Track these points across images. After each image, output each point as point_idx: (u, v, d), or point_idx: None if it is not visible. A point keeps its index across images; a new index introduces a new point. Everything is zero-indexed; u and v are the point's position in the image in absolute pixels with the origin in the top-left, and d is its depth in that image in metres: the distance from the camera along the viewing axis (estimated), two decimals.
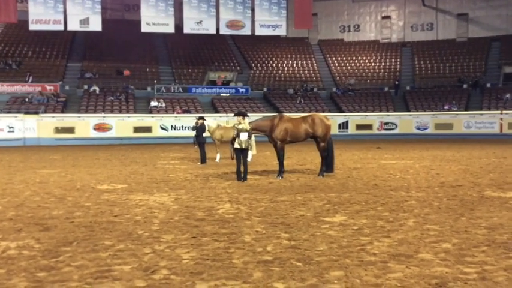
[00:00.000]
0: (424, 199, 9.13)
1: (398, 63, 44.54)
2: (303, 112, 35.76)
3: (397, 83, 40.51)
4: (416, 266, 5.13)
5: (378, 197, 9.43)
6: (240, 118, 11.91)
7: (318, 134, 12.73)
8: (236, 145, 11.88)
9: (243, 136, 11.69)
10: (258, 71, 42.99)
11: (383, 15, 48.09)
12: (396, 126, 35.43)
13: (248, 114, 12.61)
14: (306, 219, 7.49)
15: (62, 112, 32.52)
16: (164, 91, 37.19)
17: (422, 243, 6.05)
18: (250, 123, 12.30)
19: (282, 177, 12.41)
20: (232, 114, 12.72)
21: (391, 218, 7.51)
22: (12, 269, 5.16)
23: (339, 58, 45.72)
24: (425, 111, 36.57)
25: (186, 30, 36.97)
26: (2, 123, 29.58)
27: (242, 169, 11.88)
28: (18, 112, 30.96)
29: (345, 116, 35.72)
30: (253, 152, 17.79)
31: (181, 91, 37.67)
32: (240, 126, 11.76)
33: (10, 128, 29.64)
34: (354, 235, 6.46)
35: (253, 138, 17.58)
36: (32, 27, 34.88)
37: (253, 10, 37.81)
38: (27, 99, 33.10)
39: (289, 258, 5.42)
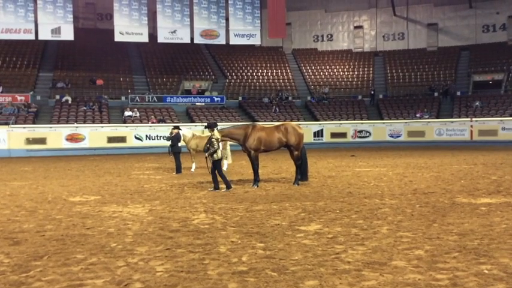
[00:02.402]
0: (397, 206, 9.26)
1: (371, 72, 45.29)
2: (278, 121, 35.96)
3: (372, 92, 41.17)
4: (389, 274, 5.18)
5: (352, 204, 9.52)
6: (210, 130, 12.01)
7: (291, 143, 12.77)
8: (218, 156, 11.90)
9: (220, 147, 12.00)
10: (233, 80, 43.07)
11: (355, 25, 48.91)
12: (370, 134, 35.93)
13: (217, 124, 12.63)
14: (281, 228, 7.50)
15: (33, 123, 31.86)
16: (138, 100, 36.88)
17: (395, 250, 6.12)
18: (220, 130, 12.42)
19: (257, 186, 12.42)
20: (204, 126, 12.75)
21: (365, 225, 7.59)
22: None
23: (313, 67, 46.21)
24: (397, 119, 37.22)
25: (160, 39, 36.88)
26: None
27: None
28: None
29: (320, 124, 36.06)
30: (229, 161, 17.80)
31: (156, 100, 37.43)
32: (215, 138, 11.82)
33: None
34: (329, 243, 6.49)
35: (228, 147, 17.62)
36: (2, 36, 34.27)
37: (227, 20, 37.98)
38: None
39: (264, 269, 5.41)
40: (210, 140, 11.85)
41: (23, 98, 34.30)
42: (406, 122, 36.13)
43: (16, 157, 27.97)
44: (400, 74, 44.28)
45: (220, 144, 12.17)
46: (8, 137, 29.46)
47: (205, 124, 12.64)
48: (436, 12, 46.44)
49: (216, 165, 11.97)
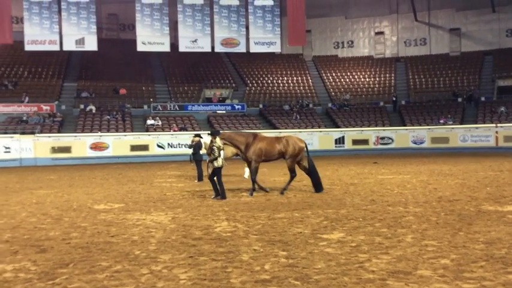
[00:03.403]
0: (421, 214, 9.12)
1: (392, 78, 44.88)
2: (299, 128, 35.92)
3: (394, 98, 40.78)
4: (415, 283, 5.11)
5: (375, 212, 9.42)
6: (212, 138, 12.07)
7: (287, 153, 12.76)
8: (219, 164, 11.91)
9: (223, 155, 12.10)
10: (253, 88, 43.21)
11: (376, 31, 48.61)
12: (392, 140, 35.52)
13: (220, 132, 12.71)
14: (303, 236, 7.46)
15: (59, 132, 32.48)
16: (160, 109, 37.27)
17: (420, 259, 6.03)
18: (222, 133, 12.60)
19: (251, 195, 12.34)
20: (207, 133, 12.85)
21: (389, 234, 7.50)
22: None
23: (334, 74, 46.05)
24: (421, 125, 36.73)
25: (182, 48, 37.27)
26: None
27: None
28: (15, 132, 30.91)
29: (341, 131, 35.83)
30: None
31: (178, 109, 37.77)
32: (216, 145, 11.88)
33: (6, 148, 29.54)
34: (352, 252, 6.44)
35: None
36: (28, 47, 35.09)
37: (247, 28, 38.18)
38: (24, 119, 33.10)
39: (287, 277, 5.39)
40: (211, 147, 11.91)
41: (48, 107, 35.03)
42: (429, 128, 35.62)
43: (42, 166, 28.53)
44: (423, 80, 43.77)
45: (221, 152, 12.19)
46: (34, 146, 30.08)
47: (209, 132, 12.74)
48: (459, 17, 45.84)
49: (216, 172, 11.97)
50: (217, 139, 12.08)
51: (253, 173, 12.74)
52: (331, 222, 8.50)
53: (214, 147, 11.86)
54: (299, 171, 13.19)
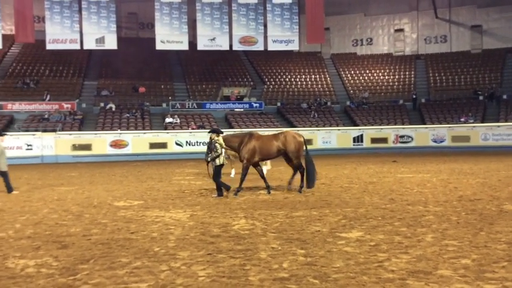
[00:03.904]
0: (442, 214, 9.01)
1: (412, 75, 44.36)
2: (317, 126, 35.79)
3: (414, 96, 40.32)
4: (435, 283, 5.05)
5: (395, 211, 9.33)
6: (214, 135, 11.98)
7: (290, 151, 12.57)
8: (220, 161, 11.88)
9: (223, 153, 12.00)
10: (271, 86, 43.17)
11: (396, 28, 48.09)
12: (412, 139, 35.14)
13: (222, 131, 12.57)
14: (322, 235, 7.44)
15: (79, 129, 32.98)
16: (179, 107, 37.53)
17: (441, 259, 5.96)
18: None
19: (236, 195, 12.00)
20: (208, 131, 12.69)
21: (409, 233, 7.42)
22: (31, 287, 5.21)
23: (352, 72, 45.72)
24: (441, 123, 36.24)
25: (200, 47, 37.40)
26: (20, 141, 30.06)
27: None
28: (36, 130, 31.47)
29: (360, 129, 35.58)
30: (268, 167, 17.82)
31: (196, 107, 37.98)
32: (219, 143, 11.85)
33: (28, 145, 30.10)
34: (371, 251, 6.39)
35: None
36: (49, 46, 35.62)
37: (265, 26, 38.14)
38: (45, 117, 33.67)
39: (305, 276, 5.38)
40: (214, 145, 11.83)
41: (69, 105, 35.58)
42: (449, 127, 35.12)
43: (63, 163, 28.98)
44: (443, 78, 43.15)
45: (223, 150, 12.11)
46: (55, 143, 30.59)
47: (210, 130, 12.59)
48: (480, 13, 45.05)
49: (216, 170, 11.88)
50: (220, 137, 12.02)
51: (244, 171, 12.51)
52: (350, 221, 8.45)
53: (217, 144, 11.82)
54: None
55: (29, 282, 5.39)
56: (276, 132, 13.58)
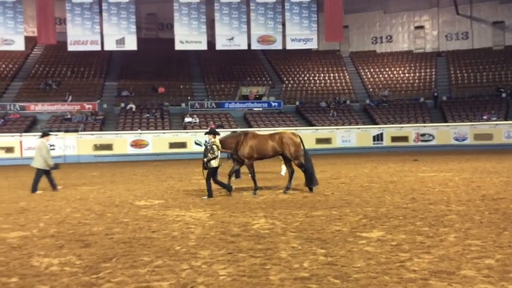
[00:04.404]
0: (464, 213, 8.88)
1: (433, 73, 43.76)
2: (336, 125, 35.58)
3: (435, 94, 39.78)
4: (458, 283, 4.98)
5: (416, 211, 9.23)
6: (211, 136, 11.96)
7: (288, 153, 12.48)
8: (215, 164, 11.87)
9: (219, 154, 11.97)
10: (290, 85, 43.08)
11: (416, 25, 47.49)
12: (433, 137, 34.67)
13: (219, 133, 12.53)
14: (342, 234, 7.40)
15: (100, 130, 33.42)
16: (198, 107, 37.73)
17: (464, 259, 5.87)
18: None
19: (255, 194, 12.12)
20: (205, 133, 12.65)
21: (431, 233, 7.33)
22: (55, 286, 5.31)
23: (372, 70, 45.31)
24: (463, 121, 35.66)
25: (218, 46, 37.50)
26: None
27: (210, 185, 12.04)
28: (59, 130, 31.99)
29: (380, 128, 35.25)
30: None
31: (214, 106, 38.13)
32: (216, 145, 11.83)
33: (51, 146, 30.44)
34: (393, 251, 6.33)
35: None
36: (71, 48, 36.16)
37: (284, 25, 38.04)
38: (68, 117, 34.22)
39: (326, 275, 5.36)
40: (210, 147, 11.82)
41: (90, 106, 36.09)
42: (472, 125, 34.54)
43: (84, 162, 29.41)
44: (465, 75, 42.46)
45: (219, 152, 12.08)
46: (77, 143, 31.06)
47: (207, 131, 12.54)
48: (502, 9, 44.17)
49: (212, 172, 11.86)
50: (217, 139, 12.01)
51: (251, 171, 12.54)
52: (371, 221, 8.38)
53: (214, 146, 11.81)
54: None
55: (53, 280, 5.49)
56: (272, 132, 13.49)
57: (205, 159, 11.89)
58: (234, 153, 12.71)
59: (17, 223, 9.08)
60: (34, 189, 13.99)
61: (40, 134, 15.30)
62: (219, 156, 12.02)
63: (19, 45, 35.64)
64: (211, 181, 11.94)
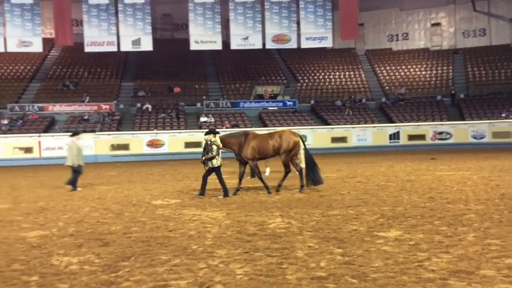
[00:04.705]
0: (484, 212, 8.76)
1: (450, 70, 43.24)
2: (352, 123, 35.38)
3: (453, 91, 39.31)
4: (478, 283, 4.93)
5: (434, 210, 9.14)
6: (211, 136, 11.96)
7: (281, 149, 12.41)
8: (218, 163, 11.88)
9: (220, 154, 11.99)
10: (305, 84, 42.97)
11: (432, 22, 46.96)
12: (451, 135, 34.26)
13: (219, 132, 12.51)
14: (359, 234, 7.36)
15: (117, 130, 33.75)
16: (213, 106, 37.86)
17: (483, 258, 5.80)
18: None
19: (269, 193, 12.08)
20: (204, 133, 12.64)
21: (450, 232, 7.25)
22: (75, 284, 5.38)
23: (388, 67, 44.94)
24: (481, 119, 35.17)
25: (233, 46, 37.58)
26: (61, 141, 30.98)
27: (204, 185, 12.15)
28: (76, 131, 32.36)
29: (396, 126, 34.95)
30: (303, 165, 17.74)
31: (230, 106, 38.22)
32: (216, 144, 11.82)
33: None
34: (411, 251, 6.28)
35: (302, 152, 17.55)
36: (88, 49, 36.58)
37: (298, 24, 37.96)
38: (85, 118, 34.64)
39: (343, 275, 5.34)
40: (210, 146, 11.81)
41: (107, 106, 36.47)
42: (490, 123, 34.04)
43: (102, 162, 29.71)
44: (483, 72, 41.85)
45: (220, 151, 12.06)
46: (95, 143, 31.41)
47: (207, 130, 12.52)
48: None
49: (216, 171, 11.87)
50: (217, 137, 12.01)
51: (256, 172, 12.54)
52: (388, 220, 8.32)
53: (214, 146, 11.81)
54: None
55: (72, 279, 5.57)
56: (272, 131, 13.41)
57: (203, 158, 11.94)
58: (237, 155, 12.69)
59: (36, 222, 9.22)
60: (74, 186, 14.52)
61: (71, 133, 16.03)
62: (220, 155, 12.04)
63: (37, 47, 36.18)
64: (218, 180, 11.99)
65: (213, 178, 12.54)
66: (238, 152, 12.49)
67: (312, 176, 12.53)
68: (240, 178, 12.71)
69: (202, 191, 12.11)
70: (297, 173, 12.80)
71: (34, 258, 6.49)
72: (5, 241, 7.63)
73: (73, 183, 14.51)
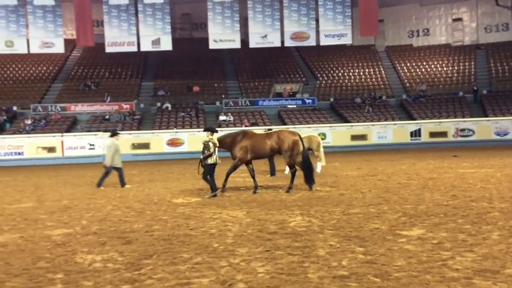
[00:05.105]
0: (508, 210, 8.60)
1: (472, 66, 42.50)
2: (372, 121, 35.06)
3: (475, 88, 38.62)
4: (503, 282, 4.84)
5: (457, 208, 9.00)
6: (209, 133, 11.99)
7: (283, 150, 12.36)
8: (213, 161, 11.89)
9: (216, 152, 12.02)
10: (324, 81, 42.73)
11: (454, 17, 46.20)
12: (473, 132, 33.68)
13: (217, 130, 12.44)
14: (381, 232, 7.30)
15: (138, 129, 34.09)
16: (232, 105, 37.95)
17: (508, 257, 5.70)
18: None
19: (213, 195, 11.90)
20: (203, 130, 12.66)
21: (473, 231, 7.14)
22: (99, 282, 5.46)
23: (408, 64, 44.39)
24: (504, 115, 34.49)
25: (252, 44, 37.58)
26: (83, 141, 31.51)
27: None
28: (98, 130, 32.85)
29: (417, 123, 34.50)
30: (323, 163, 17.68)
31: (249, 104, 38.24)
32: (213, 142, 11.84)
33: (91, 145, 31.48)
34: (434, 249, 6.20)
35: (322, 149, 17.49)
36: (108, 49, 37.01)
37: (317, 21, 37.75)
38: (106, 117, 35.08)
39: (366, 274, 5.30)
40: (207, 144, 11.85)
41: (128, 106, 36.87)
42: None
43: (123, 161, 29.98)
44: (506, 68, 41.01)
45: (216, 149, 12.08)
46: None
47: (205, 128, 12.55)
48: None
49: (209, 169, 11.89)
50: (214, 136, 12.04)
51: (232, 168, 12.61)
52: (410, 218, 8.23)
53: (210, 144, 11.85)
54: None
55: (96, 276, 5.66)
56: (270, 131, 13.35)
57: (201, 157, 12.03)
58: (231, 154, 12.77)
59: (60, 221, 9.38)
60: (122, 184, 15.06)
61: (110, 133, 16.66)
62: (216, 154, 12.08)
63: (59, 48, 36.76)
64: (210, 177, 12.00)
65: (234, 176, 12.55)
66: (230, 150, 12.64)
67: (310, 176, 12.46)
68: (253, 176, 12.75)
69: (221, 187, 12.13)
70: (289, 172, 12.77)
71: (59, 256, 6.61)
72: (31, 239, 7.79)
73: (122, 180, 15.11)
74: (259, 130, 14.58)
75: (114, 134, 15.92)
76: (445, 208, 9.08)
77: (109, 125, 34.03)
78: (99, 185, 15.00)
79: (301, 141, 12.61)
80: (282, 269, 5.60)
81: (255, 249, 6.59)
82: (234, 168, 12.76)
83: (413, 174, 15.49)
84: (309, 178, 12.44)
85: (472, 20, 45.63)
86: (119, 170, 15.19)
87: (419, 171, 16.45)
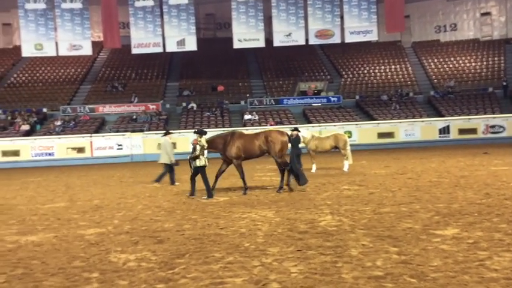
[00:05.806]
0: None
1: (502, 61, 41.42)
2: (398, 118, 34.57)
3: (505, 83, 37.67)
4: None
5: (492, 207, 8.79)
6: (197, 136, 12.03)
7: (273, 152, 12.34)
8: (202, 163, 11.90)
9: (205, 154, 12.10)
10: (349, 79, 42.33)
11: (482, 11, 45.13)
12: (504, 129, 32.84)
13: (206, 132, 12.46)
14: (414, 232, 7.18)
15: (164, 129, 34.39)
16: (257, 104, 37.95)
17: None
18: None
19: (245, 193, 12.13)
20: (194, 131, 12.70)
21: (510, 230, 6.96)
22: (134, 281, 5.53)
23: (436, 60, 43.58)
24: None
25: (276, 43, 37.51)
26: (111, 141, 32.00)
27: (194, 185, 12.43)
28: (126, 131, 33.31)
29: (446, 120, 33.85)
30: (350, 161, 17.54)
31: (273, 103, 38.17)
32: (201, 144, 11.85)
33: (119, 145, 31.95)
34: (470, 249, 6.07)
35: (348, 148, 17.35)
36: (135, 51, 37.49)
37: (342, 18, 37.42)
38: (133, 118, 35.57)
39: (401, 274, 5.23)
40: (194, 146, 11.92)
41: (154, 106, 37.28)
42: None
43: (150, 161, 30.39)
44: None
45: (205, 151, 12.10)
46: (143, 142, 32.19)
47: (195, 130, 12.55)
48: None
49: (200, 171, 11.90)
50: (203, 138, 12.06)
51: (239, 172, 12.63)
52: (444, 218, 8.08)
53: (198, 146, 11.86)
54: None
55: (131, 275, 5.73)
56: (258, 131, 13.38)
57: (188, 157, 12.21)
58: (222, 154, 12.85)
59: (92, 220, 9.55)
60: (158, 180, 15.66)
61: (163, 132, 17.29)
62: (205, 156, 12.15)
63: (87, 50, 37.43)
64: (203, 180, 12.02)
65: (260, 175, 12.54)
66: (223, 151, 12.70)
67: (300, 175, 12.39)
68: (217, 176, 12.96)
69: (192, 191, 12.33)
70: (279, 171, 12.72)
71: (93, 255, 6.72)
72: (65, 239, 7.95)
73: (160, 178, 15.66)
74: (259, 130, 14.65)
75: (167, 133, 16.66)
76: (479, 207, 8.88)
77: (136, 125, 34.48)
78: (172, 182, 15.46)
79: (289, 139, 12.74)
80: (315, 269, 5.57)
81: (286, 248, 6.57)
82: (240, 168, 12.76)
83: (444, 172, 15.20)
84: (298, 177, 12.34)
85: (501, 14, 44.49)
86: (167, 168, 15.70)
87: (450, 169, 16.13)
